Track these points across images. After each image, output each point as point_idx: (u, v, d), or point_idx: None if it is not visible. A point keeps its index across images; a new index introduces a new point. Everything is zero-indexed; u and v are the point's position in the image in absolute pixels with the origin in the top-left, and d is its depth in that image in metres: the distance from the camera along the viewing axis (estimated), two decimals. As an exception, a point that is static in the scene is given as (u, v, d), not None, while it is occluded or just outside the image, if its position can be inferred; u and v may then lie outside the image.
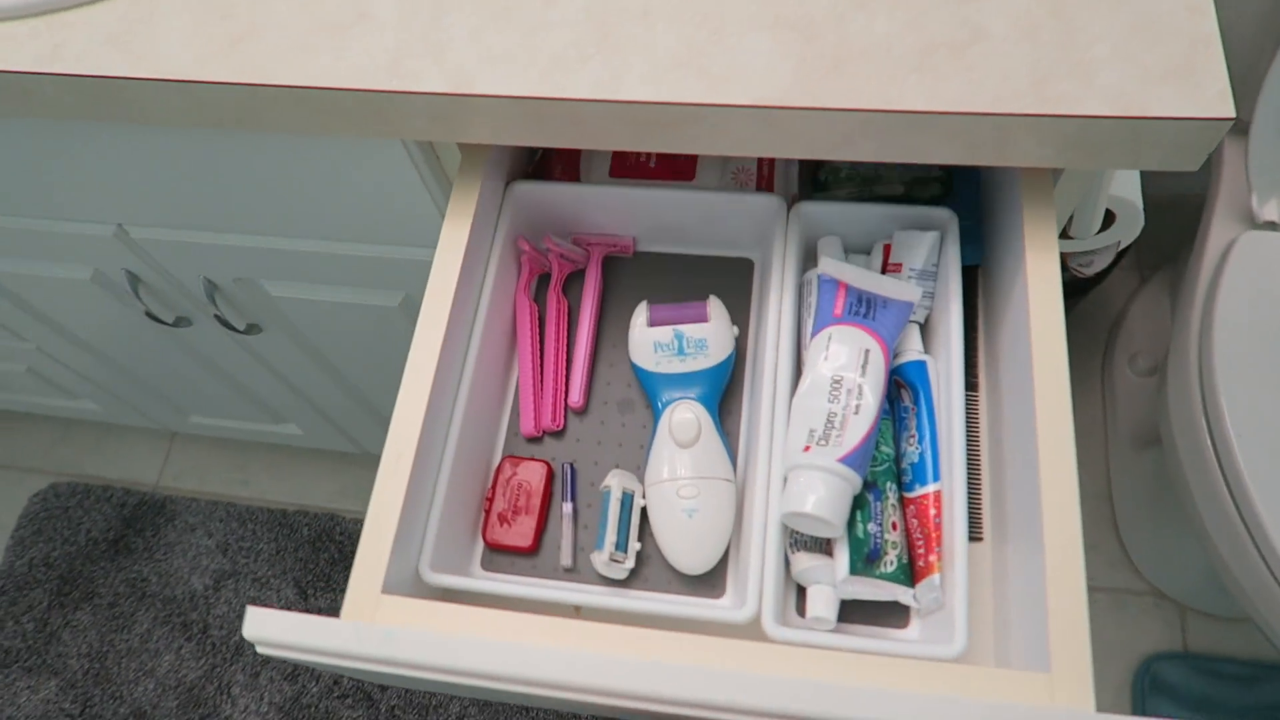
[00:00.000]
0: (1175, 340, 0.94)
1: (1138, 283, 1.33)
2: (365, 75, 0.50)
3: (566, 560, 0.55)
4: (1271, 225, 0.90)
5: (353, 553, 1.29)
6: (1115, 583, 1.20)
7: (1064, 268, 1.06)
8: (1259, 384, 0.84)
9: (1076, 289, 1.07)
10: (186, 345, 0.98)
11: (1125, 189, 0.65)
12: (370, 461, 1.37)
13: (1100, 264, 0.95)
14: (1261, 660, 1.14)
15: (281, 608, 1.27)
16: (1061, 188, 0.57)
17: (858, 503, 0.50)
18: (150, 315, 0.86)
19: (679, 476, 0.53)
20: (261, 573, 1.30)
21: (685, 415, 0.54)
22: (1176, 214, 1.20)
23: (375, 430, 1.15)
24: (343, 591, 1.27)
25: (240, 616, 1.28)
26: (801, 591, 0.51)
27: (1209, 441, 0.85)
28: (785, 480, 0.50)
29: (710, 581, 0.53)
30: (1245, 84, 0.87)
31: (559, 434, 0.59)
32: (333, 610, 1.26)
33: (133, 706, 1.24)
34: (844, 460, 0.48)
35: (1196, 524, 0.88)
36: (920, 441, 0.53)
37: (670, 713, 0.40)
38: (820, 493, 0.48)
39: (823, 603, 0.49)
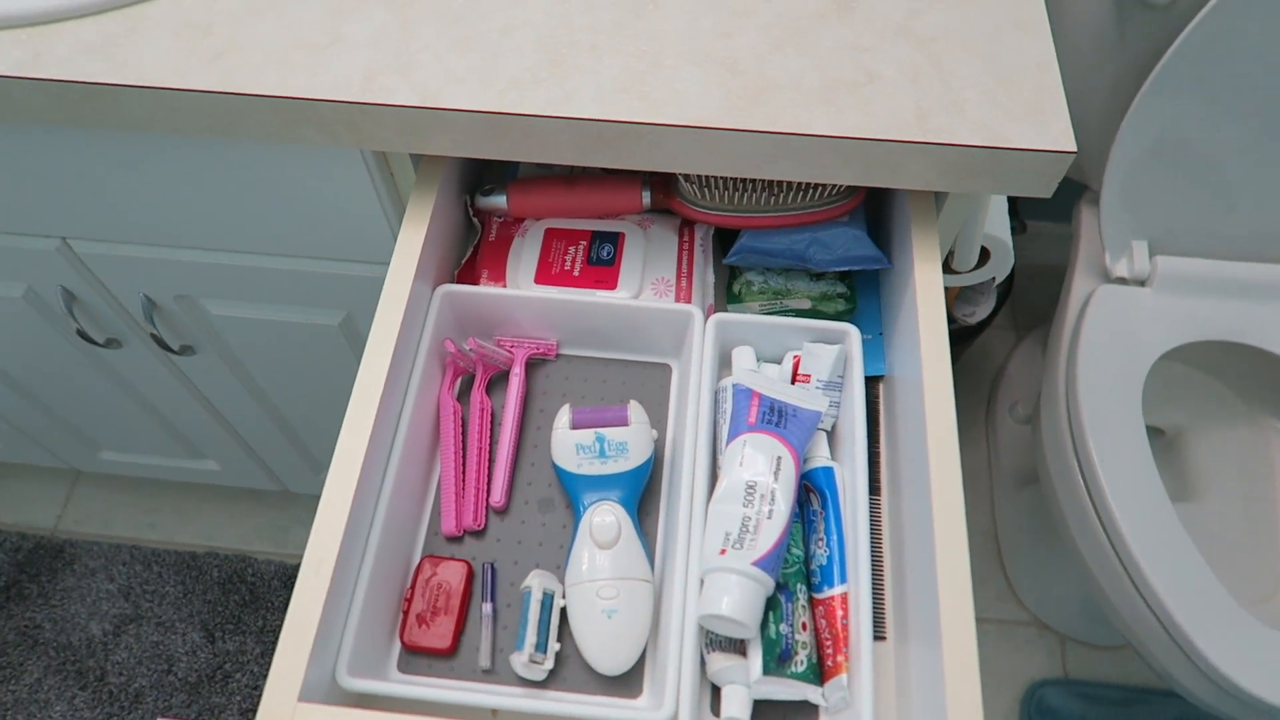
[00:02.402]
0: (1046, 385, 1.05)
1: (1015, 340, 1.47)
2: (340, 89, 0.56)
3: (485, 662, 0.54)
4: (1122, 280, 1.04)
5: (264, 594, 1.27)
6: (1002, 615, 1.29)
7: (950, 318, 1.18)
8: (1120, 421, 0.94)
9: (962, 337, 1.18)
10: (112, 370, 0.98)
11: (997, 228, 0.76)
12: (286, 501, 1.36)
13: (982, 313, 1.07)
14: (1135, 685, 1.24)
15: (186, 653, 1.23)
16: (943, 220, 0.67)
17: (770, 604, 0.52)
18: (81, 334, 0.87)
19: (599, 577, 0.54)
20: (166, 616, 1.27)
21: (606, 517, 0.55)
22: (1047, 280, 1.35)
23: (298, 465, 1.16)
24: (253, 634, 1.25)
25: (140, 662, 1.23)
26: (716, 691, 0.52)
27: (1080, 479, 0.94)
28: (702, 582, 0.52)
29: (628, 682, 0.54)
30: (1094, 157, 1.01)
31: (480, 533, 0.59)
32: (241, 653, 1.23)
33: (16, 761, 1.17)
34: (758, 563, 0.51)
35: (1074, 555, 0.97)
36: (828, 544, 0.55)
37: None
38: (735, 595, 0.50)
39: (737, 703, 0.50)
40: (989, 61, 0.57)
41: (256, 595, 1.28)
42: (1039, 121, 0.54)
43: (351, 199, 0.68)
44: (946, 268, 0.78)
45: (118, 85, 0.56)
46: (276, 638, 1.23)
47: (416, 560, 0.58)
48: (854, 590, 0.53)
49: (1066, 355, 1.03)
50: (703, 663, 0.52)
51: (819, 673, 0.52)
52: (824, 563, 0.55)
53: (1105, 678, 1.25)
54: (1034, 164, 0.54)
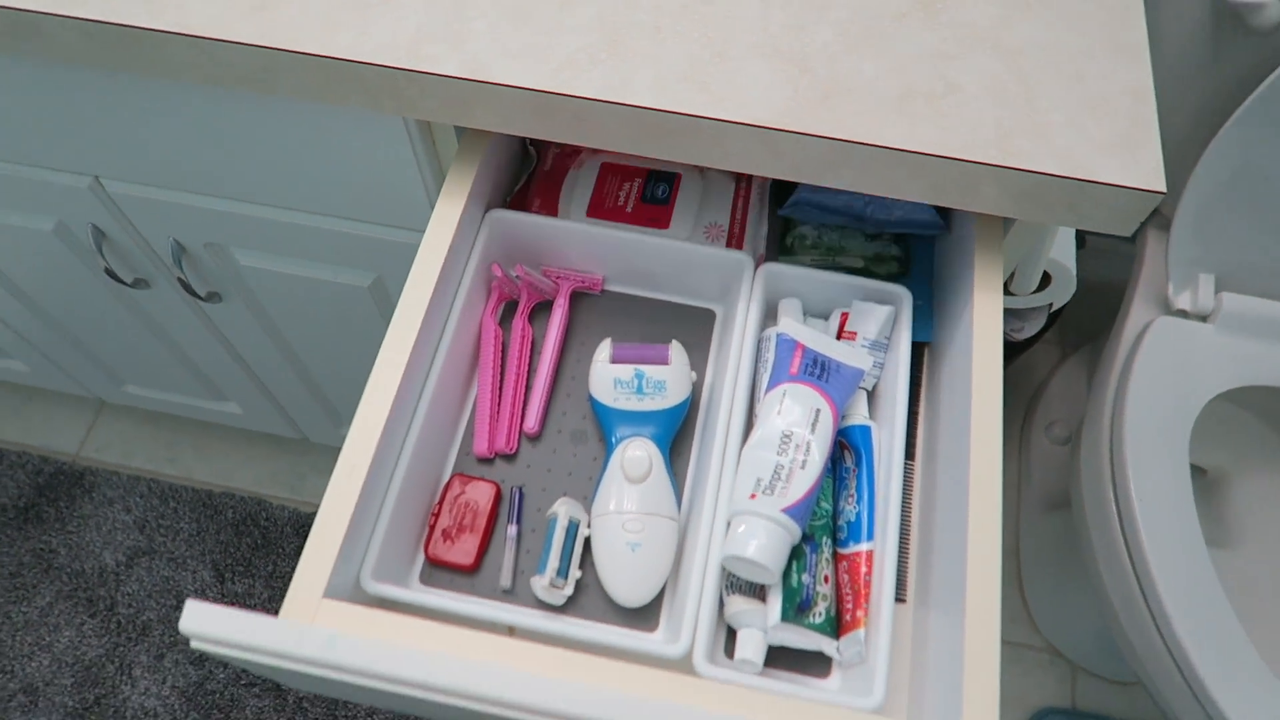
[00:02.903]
0: (1090, 411, 1.01)
1: (1059, 357, 1.42)
2: (385, 53, 0.53)
3: (506, 582, 0.55)
4: (1183, 313, 0.99)
5: (277, 539, 1.28)
6: (1014, 637, 1.26)
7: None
8: (1164, 459, 0.90)
9: (1006, 353, 1.14)
10: (139, 309, 0.97)
11: (1062, 254, 0.72)
12: (304, 449, 1.36)
13: (1030, 330, 1.02)
14: (1142, 723, 1.21)
15: (196, 590, 1.24)
16: (1009, 241, 0.63)
17: (795, 553, 0.52)
18: (109, 273, 0.86)
19: (626, 510, 0.54)
20: (179, 552, 1.27)
21: (638, 452, 0.56)
22: (1100, 298, 1.29)
23: (319, 417, 1.15)
24: (262, 578, 1.25)
25: (150, 595, 1.24)
26: (731, 634, 0.53)
27: (1115, 512, 0.91)
28: (729, 524, 0.52)
29: (645, 615, 0.54)
30: (1172, 181, 0.96)
31: (511, 457, 0.60)
32: (249, 596, 1.24)
33: (23, 682, 1.19)
34: (787, 511, 0.50)
35: (1097, 586, 0.94)
36: (858, 502, 0.55)
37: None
38: (762, 540, 0.49)
39: (752, 646, 0.51)
40: (1079, 83, 0.53)
41: (269, 540, 1.28)
42: (1128, 155, 0.50)
43: (391, 164, 0.66)
44: (1005, 289, 0.74)
45: (155, 30, 0.54)
46: (285, 584, 1.23)
47: (446, 477, 0.59)
48: (880, 548, 0.53)
49: (1116, 385, 0.98)
50: (721, 604, 0.53)
51: (836, 626, 0.52)
52: (852, 519, 0.55)
53: (1113, 713, 1.22)
54: (1117, 201, 0.50)
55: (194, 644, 0.41)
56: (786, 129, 0.50)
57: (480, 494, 0.57)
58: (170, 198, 0.76)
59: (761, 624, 0.51)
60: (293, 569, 1.24)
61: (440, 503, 0.57)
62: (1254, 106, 0.80)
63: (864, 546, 0.53)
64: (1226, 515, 1.08)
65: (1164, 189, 0.49)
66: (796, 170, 0.53)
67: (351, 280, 0.81)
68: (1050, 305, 0.84)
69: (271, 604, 1.23)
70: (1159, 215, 1.04)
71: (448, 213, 0.58)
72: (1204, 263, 0.97)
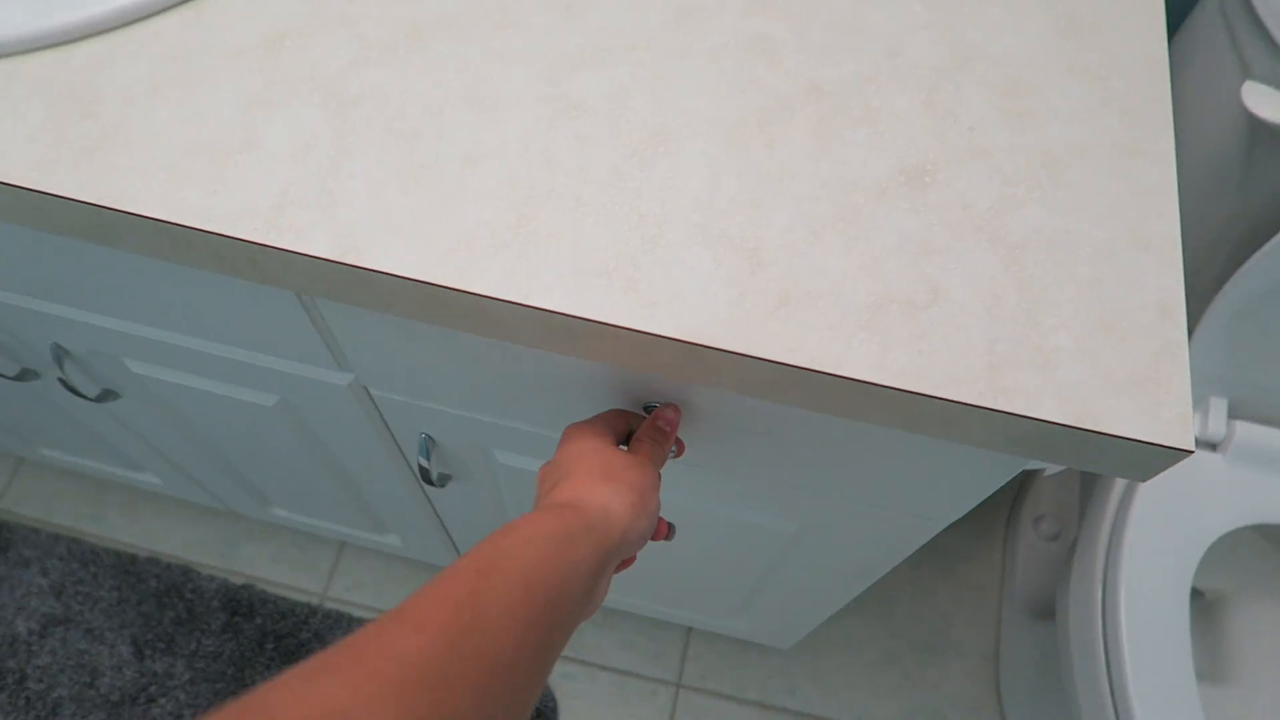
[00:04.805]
0: (1086, 521, 0.92)
1: (1054, 440, 1.32)
2: (241, 220, 0.43)
3: None
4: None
5: (203, 614, 1.18)
6: (991, 748, 1.18)
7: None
8: (1161, 595, 0.82)
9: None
10: (35, 395, 0.87)
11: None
12: (235, 517, 1.26)
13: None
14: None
15: (112, 667, 1.15)
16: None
17: None
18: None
19: None
20: (96, 624, 1.18)
21: None
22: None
23: (244, 498, 1.05)
24: (184, 657, 1.16)
25: (64, 670, 1.15)
26: None
27: (1101, 638, 0.83)
28: None
29: None
30: (1191, 288, 0.86)
31: None
32: (169, 676, 1.15)
33: (-81, 761, 1.10)
34: None
35: (1073, 708, 0.86)
36: None
37: None
38: None
39: None
40: (1093, 289, 0.43)
41: (194, 614, 1.19)
42: (1148, 397, 0.40)
43: (279, 314, 0.56)
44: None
45: (-39, 176, 0.43)
46: (207, 665, 1.14)
47: None
48: None
49: (1115, 510, 0.89)
50: None
51: None
52: None
53: (1092, 833, 1.14)
54: (1132, 453, 0.40)
55: None
56: (726, 349, 0.40)
57: None
58: (49, 309, 0.66)
59: None
60: (218, 647, 1.15)
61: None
62: (1292, 238, 0.70)
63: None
64: (1222, 646, 1.00)
65: (1191, 447, 0.39)
66: (739, 387, 0.43)
67: (255, 400, 0.71)
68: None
69: (191, 687, 1.14)
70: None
71: None
72: (1218, 385, 0.88)
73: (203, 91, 0.46)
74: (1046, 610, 1.14)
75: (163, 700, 1.14)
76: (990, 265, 0.43)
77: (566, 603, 0.34)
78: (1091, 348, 0.41)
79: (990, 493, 0.52)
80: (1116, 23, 0.50)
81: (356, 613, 1.19)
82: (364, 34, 0.48)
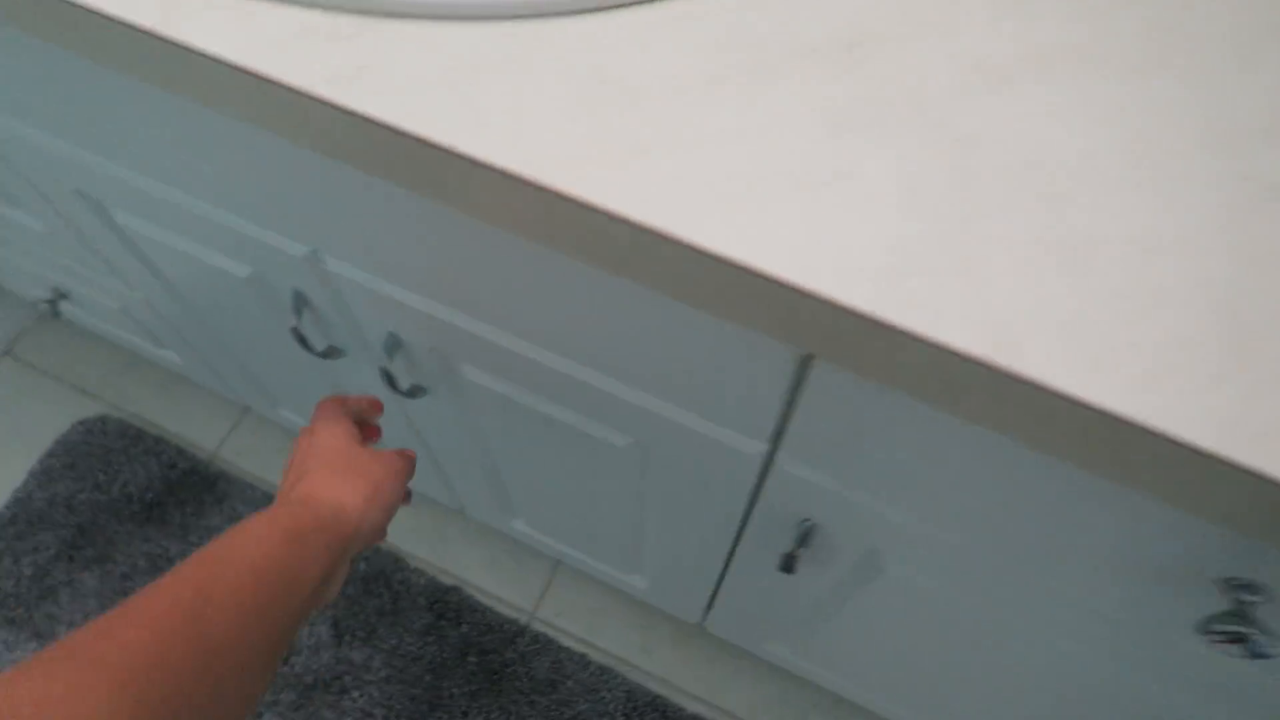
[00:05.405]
0: None
1: None
2: (838, 280, 0.32)
3: None
4: None
5: (407, 607, 1.12)
6: None
7: None
8: None
9: None
10: (323, 369, 0.80)
11: None
12: (449, 511, 1.19)
13: None
14: None
15: (309, 647, 1.09)
16: None
17: None
18: (296, 334, 0.68)
19: None
20: (298, 597, 1.13)
21: None
22: None
23: (489, 504, 0.97)
24: (383, 652, 1.09)
25: (260, 640, 1.10)
26: None
27: None
28: None
29: None
30: None
31: None
32: (364, 670, 1.08)
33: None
34: None
35: None
36: None
37: None
38: None
39: None
40: None
41: (398, 607, 1.12)
42: None
43: (745, 375, 0.45)
44: None
45: (479, 162, 0.34)
46: (405, 667, 1.08)
47: None
48: None
49: None
50: None
51: None
52: None
53: None
54: None
55: None
56: None
57: None
58: (392, 293, 0.58)
59: None
60: (419, 649, 1.08)
61: None
62: None
63: None
64: None
65: None
66: None
67: (605, 436, 0.61)
68: None
69: (387, 685, 1.08)
70: None
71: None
72: None
73: (789, 118, 0.35)
74: None
75: (355, 693, 1.08)
76: None
77: (298, 591, 0.39)
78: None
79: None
80: None
81: (564, 640, 1.09)
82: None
